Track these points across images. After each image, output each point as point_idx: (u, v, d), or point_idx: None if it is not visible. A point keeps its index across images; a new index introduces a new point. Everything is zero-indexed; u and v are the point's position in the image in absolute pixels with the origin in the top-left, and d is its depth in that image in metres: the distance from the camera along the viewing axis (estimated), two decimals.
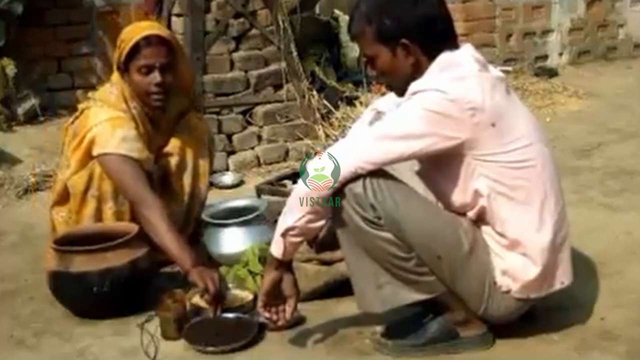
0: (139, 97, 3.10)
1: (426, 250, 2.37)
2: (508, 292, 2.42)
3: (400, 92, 2.45)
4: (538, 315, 2.55)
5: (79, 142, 3.07)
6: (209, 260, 3.14)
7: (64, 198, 3.15)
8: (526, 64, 6.33)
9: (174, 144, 3.27)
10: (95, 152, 3.03)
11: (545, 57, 6.50)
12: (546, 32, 6.49)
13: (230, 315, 2.72)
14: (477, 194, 2.37)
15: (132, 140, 3.03)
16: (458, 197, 2.40)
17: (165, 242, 2.88)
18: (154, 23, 3.42)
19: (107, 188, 3.06)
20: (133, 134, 3.04)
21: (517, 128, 2.37)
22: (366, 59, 2.56)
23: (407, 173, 2.55)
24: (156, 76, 3.04)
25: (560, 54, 6.57)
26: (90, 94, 3.22)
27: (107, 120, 3.03)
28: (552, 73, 6.27)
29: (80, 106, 3.19)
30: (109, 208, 3.08)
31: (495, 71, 2.47)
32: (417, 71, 2.41)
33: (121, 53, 3.06)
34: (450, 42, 2.44)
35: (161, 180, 3.25)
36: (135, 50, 3.03)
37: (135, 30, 3.07)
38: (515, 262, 2.40)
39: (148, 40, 3.03)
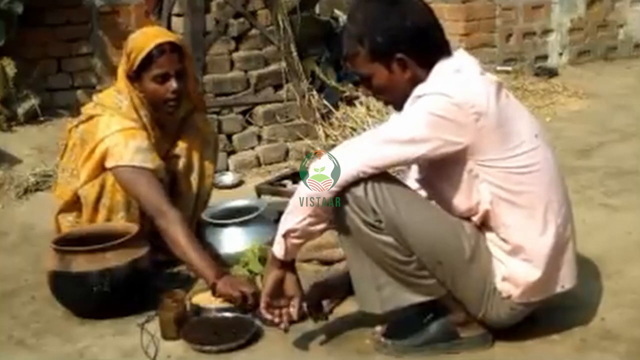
0: (154, 104, 3.08)
1: (427, 254, 2.37)
2: (509, 297, 2.42)
3: (399, 107, 2.43)
4: (538, 315, 2.55)
5: (90, 153, 3.04)
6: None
7: (71, 206, 3.15)
8: (526, 64, 6.33)
9: (181, 147, 3.27)
10: (108, 165, 3.02)
11: (545, 57, 6.51)
12: (546, 32, 6.50)
13: (229, 314, 2.73)
14: (480, 200, 2.36)
15: (145, 151, 3.02)
16: (461, 202, 2.39)
17: (186, 256, 2.86)
18: (161, 29, 3.40)
19: (119, 199, 3.06)
20: (146, 144, 3.03)
21: (521, 132, 2.36)
22: (361, 79, 2.54)
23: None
24: (172, 84, 3.03)
25: (560, 54, 6.58)
26: (95, 98, 3.19)
27: (119, 132, 3.01)
28: (552, 73, 6.27)
29: (88, 111, 3.15)
30: (120, 217, 3.08)
31: (492, 76, 2.46)
32: (415, 84, 2.38)
33: (133, 63, 3.03)
34: (444, 49, 2.43)
35: (170, 183, 3.25)
36: (148, 59, 3.01)
37: (145, 39, 3.04)
38: (517, 268, 2.39)
39: (161, 48, 3.01)
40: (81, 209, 3.12)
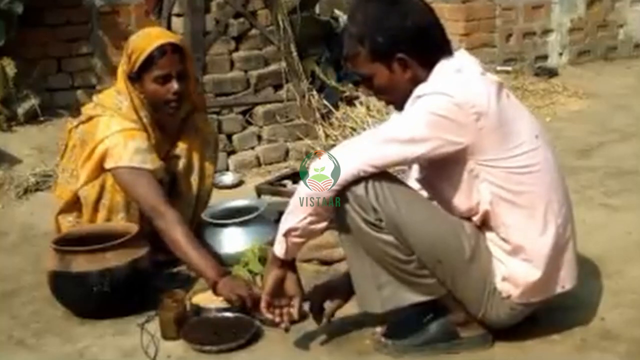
0: (154, 105, 3.08)
1: (427, 254, 2.37)
2: (508, 297, 2.42)
3: (400, 107, 2.43)
4: (538, 315, 2.55)
5: (90, 154, 3.04)
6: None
7: (71, 206, 3.15)
8: (526, 64, 6.33)
9: (181, 147, 3.27)
10: (108, 166, 3.02)
11: (545, 57, 6.50)
12: (546, 32, 6.49)
13: (229, 314, 2.73)
14: (480, 200, 2.36)
15: (145, 152, 3.02)
16: (461, 202, 2.39)
17: (187, 256, 2.87)
18: (162, 30, 3.39)
19: (119, 199, 3.06)
20: (145, 145, 3.03)
21: (521, 132, 2.36)
22: (362, 79, 2.54)
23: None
24: (173, 85, 3.03)
25: (560, 54, 6.57)
26: (95, 99, 3.19)
27: (119, 132, 3.01)
28: (552, 73, 6.27)
29: (88, 112, 3.14)
30: (120, 218, 3.08)
31: (493, 76, 2.46)
32: (416, 84, 2.38)
33: (134, 63, 3.03)
34: (445, 49, 2.43)
35: (170, 183, 3.24)
36: (149, 60, 3.00)
37: (147, 40, 3.04)
38: (517, 268, 2.39)
39: (163, 49, 3.00)
40: (81, 209, 3.13)
